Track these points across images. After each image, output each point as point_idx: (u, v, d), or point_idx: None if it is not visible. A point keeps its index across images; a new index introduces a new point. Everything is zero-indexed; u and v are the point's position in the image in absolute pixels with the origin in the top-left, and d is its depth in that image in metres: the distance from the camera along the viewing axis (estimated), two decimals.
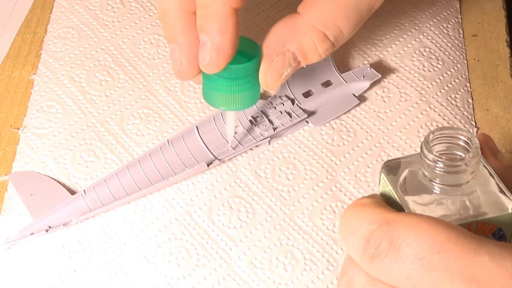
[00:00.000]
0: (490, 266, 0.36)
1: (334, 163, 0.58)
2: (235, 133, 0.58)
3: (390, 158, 0.57)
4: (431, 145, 0.41)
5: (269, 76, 0.52)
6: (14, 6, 0.69)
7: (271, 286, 0.52)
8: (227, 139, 0.58)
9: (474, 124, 0.61)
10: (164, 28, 0.53)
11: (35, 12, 0.68)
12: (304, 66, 0.53)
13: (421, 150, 0.41)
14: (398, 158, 0.43)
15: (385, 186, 0.43)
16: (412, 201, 0.41)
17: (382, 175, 0.42)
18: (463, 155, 0.41)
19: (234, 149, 0.58)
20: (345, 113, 0.61)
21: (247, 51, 0.52)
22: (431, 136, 0.41)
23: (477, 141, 0.41)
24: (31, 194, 0.56)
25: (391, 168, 0.42)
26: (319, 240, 0.54)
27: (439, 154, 0.41)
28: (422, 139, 0.42)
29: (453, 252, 0.37)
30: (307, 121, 0.60)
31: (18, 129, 0.61)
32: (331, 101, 0.61)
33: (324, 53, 0.53)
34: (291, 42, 0.52)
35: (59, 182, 0.57)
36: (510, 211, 0.40)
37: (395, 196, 0.42)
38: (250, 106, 0.54)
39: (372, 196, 0.42)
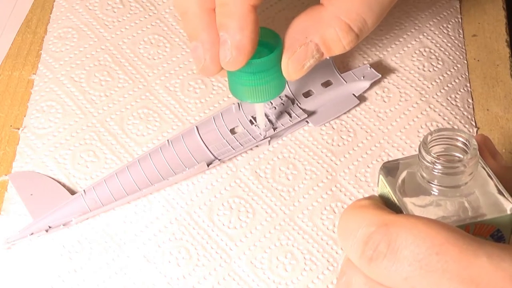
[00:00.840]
0: (488, 267, 0.36)
1: (334, 163, 0.58)
2: (237, 132, 0.58)
3: (389, 159, 0.58)
4: (429, 147, 0.41)
5: (291, 66, 0.52)
6: (14, 6, 0.69)
7: (271, 286, 0.52)
8: (260, 128, 0.58)
9: (474, 124, 0.60)
10: (185, 26, 0.53)
11: (35, 12, 0.68)
12: (328, 57, 0.53)
13: (419, 151, 0.41)
14: (397, 160, 0.43)
15: (383, 187, 0.43)
16: (410, 203, 0.41)
17: (381, 176, 0.42)
18: (461, 156, 0.41)
19: (264, 138, 0.58)
20: (345, 113, 0.61)
21: (268, 41, 0.52)
22: (429, 137, 0.41)
23: (475, 143, 0.41)
24: (31, 194, 0.56)
25: (390, 169, 0.42)
26: (319, 240, 0.54)
27: (437, 155, 0.40)
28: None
29: (452, 254, 0.37)
30: (307, 121, 0.60)
31: (18, 129, 0.61)
32: (331, 101, 0.61)
33: (348, 45, 0.52)
34: (315, 33, 0.51)
35: (59, 182, 0.57)
36: (508, 212, 0.40)
37: (393, 197, 0.42)
38: (277, 96, 0.54)
39: (370, 198, 0.42)
